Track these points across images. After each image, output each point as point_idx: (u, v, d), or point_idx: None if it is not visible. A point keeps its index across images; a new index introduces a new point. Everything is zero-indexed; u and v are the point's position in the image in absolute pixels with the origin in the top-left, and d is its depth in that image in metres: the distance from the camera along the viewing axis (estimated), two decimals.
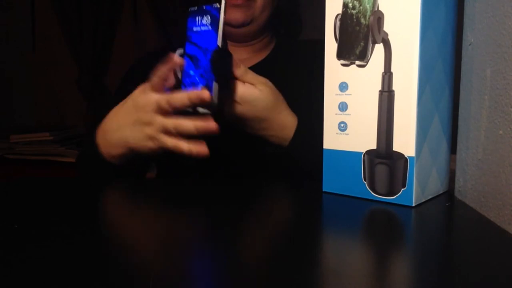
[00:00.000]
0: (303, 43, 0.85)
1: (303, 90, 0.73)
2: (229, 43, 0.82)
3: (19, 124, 2.05)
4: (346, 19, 0.47)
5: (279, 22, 0.84)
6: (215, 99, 0.50)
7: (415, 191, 0.45)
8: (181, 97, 0.50)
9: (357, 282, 0.28)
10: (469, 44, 0.50)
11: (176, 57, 0.53)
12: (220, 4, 0.50)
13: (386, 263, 0.32)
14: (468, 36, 0.50)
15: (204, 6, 0.53)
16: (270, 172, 0.70)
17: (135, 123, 0.54)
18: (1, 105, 2.10)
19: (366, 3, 0.45)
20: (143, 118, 0.53)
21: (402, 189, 0.45)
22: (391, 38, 0.44)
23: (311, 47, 0.75)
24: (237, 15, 0.72)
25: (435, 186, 0.49)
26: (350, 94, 0.48)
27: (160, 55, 0.54)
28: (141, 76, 0.55)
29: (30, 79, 2.15)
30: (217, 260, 0.32)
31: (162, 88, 0.53)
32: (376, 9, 0.45)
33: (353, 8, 0.46)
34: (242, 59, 0.81)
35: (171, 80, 0.54)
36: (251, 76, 0.56)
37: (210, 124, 0.50)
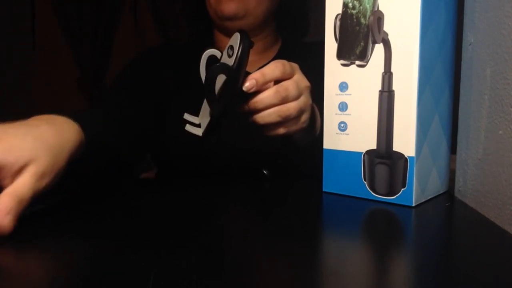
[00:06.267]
0: (309, 44, 0.84)
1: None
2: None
3: None
4: (346, 19, 0.47)
5: (284, 22, 0.83)
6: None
7: (415, 191, 0.45)
8: None
9: (357, 282, 0.28)
10: (469, 44, 0.50)
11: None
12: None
13: (386, 263, 0.32)
14: (468, 36, 0.50)
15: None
16: (270, 172, 0.70)
17: None
18: (1, 105, 2.10)
19: (366, 3, 0.45)
20: None
21: (402, 189, 0.45)
22: (391, 38, 0.44)
23: (318, 48, 0.74)
24: (230, 6, 0.72)
25: (435, 186, 0.49)
26: (350, 94, 0.48)
27: (156, 53, 0.52)
28: (134, 76, 0.54)
29: (30, 79, 2.15)
30: (215, 259, 0.32)
31: None
32: (376, 9, 0.45)
33: (353, 8, 0.46)
34: (249, 62, 0.80)
35: None
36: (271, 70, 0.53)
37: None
